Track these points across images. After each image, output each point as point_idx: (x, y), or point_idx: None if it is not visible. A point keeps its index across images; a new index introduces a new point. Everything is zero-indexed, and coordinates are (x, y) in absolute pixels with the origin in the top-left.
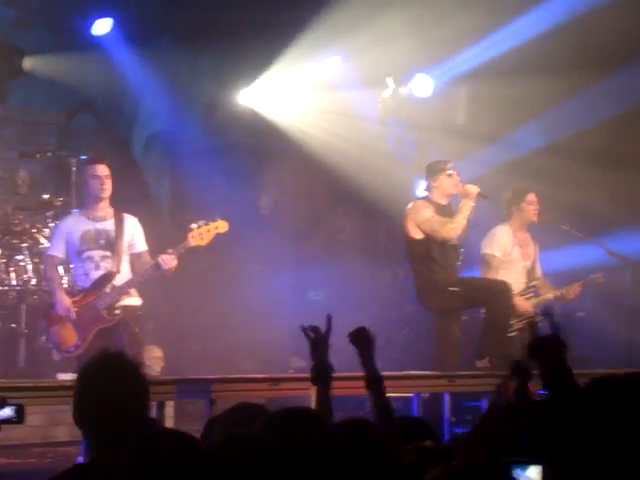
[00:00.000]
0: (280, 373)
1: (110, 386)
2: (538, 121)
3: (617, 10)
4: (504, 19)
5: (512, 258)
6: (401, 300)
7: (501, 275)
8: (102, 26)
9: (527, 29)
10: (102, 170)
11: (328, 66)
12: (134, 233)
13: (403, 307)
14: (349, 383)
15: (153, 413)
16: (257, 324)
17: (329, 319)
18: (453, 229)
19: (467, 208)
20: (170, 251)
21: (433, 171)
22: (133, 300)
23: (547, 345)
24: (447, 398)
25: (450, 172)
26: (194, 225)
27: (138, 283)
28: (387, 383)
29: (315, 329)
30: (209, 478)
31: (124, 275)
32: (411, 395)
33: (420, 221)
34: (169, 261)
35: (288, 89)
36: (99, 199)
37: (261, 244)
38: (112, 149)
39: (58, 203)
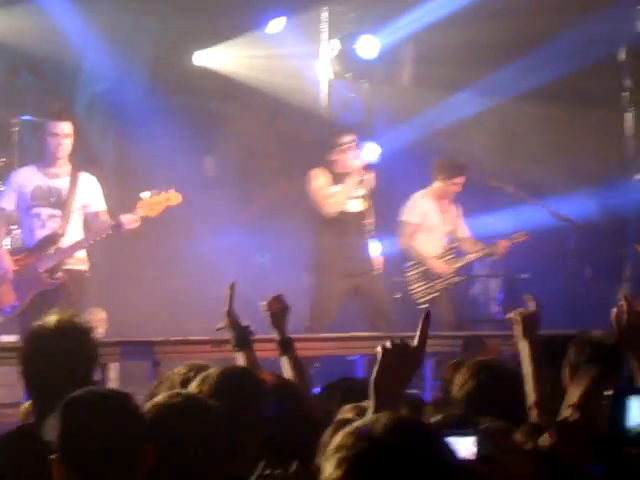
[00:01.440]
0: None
1: (60, 349)
2: (482, 83)
3: None
4: None
5: (431, 225)
6: None
7: (418, 240)
8: None
9: None
10: (62, 128)
11: (273, 27)
12: (90, 192)
13: None
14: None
15: (97, 375)
16: (202, 286)
17: (231, 286)
18: (331, 204)
19: (348, 184)
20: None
21: (332, 145)
22: (79, 264)
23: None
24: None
25: (343, 148)
26: (144, 194)
27: (88, 244)
28: (332, 344)
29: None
30: (147, 436)
31: (71, 237)
32: (356, 356)
33: (310, 190)
34: (132, 221)
35: (236, 50)
36: (55, 157)
37: (207, 206)
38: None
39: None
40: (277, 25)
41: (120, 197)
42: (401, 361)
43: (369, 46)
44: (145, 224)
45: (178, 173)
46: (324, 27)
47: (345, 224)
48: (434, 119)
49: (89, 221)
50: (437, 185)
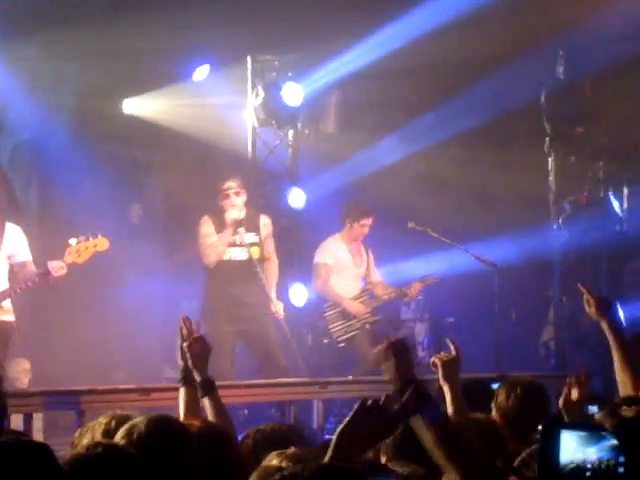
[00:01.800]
0: (152, 383)
1: None
2: (406, 129)
3: (483, 19)
4: (373, 28)
5: (344, 266)
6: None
7: (333, 282)
8: None
9: (395, 38)
10: None
11: (198, 75)
12: (16, 243)
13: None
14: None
15: (20, 426)
16: (129, 334)
17: (185, 319)
18: (209, 254)
19: (225, 234)
20: (51, 263)
21: (217, 189)
22: (5, 315)
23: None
24: (317, 405)
25: (225, 192)
26: (73, 241)
27: (14, 292)
28: (262, 391)
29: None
30: None
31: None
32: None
33: (196, 238)
34: (59, 268)
35: (162, 99)
36: None
37: (133, 254)
38: None
39: None
40: (202, 73)
41: (45, 246)
42: (375, 422)
43: (293, 93)
44: (71, 272)
45: (104, 221)
46: (248, 75)
47: (227, 273)
48: (359, 165)
49: (16, 271)
50: (346, 228)
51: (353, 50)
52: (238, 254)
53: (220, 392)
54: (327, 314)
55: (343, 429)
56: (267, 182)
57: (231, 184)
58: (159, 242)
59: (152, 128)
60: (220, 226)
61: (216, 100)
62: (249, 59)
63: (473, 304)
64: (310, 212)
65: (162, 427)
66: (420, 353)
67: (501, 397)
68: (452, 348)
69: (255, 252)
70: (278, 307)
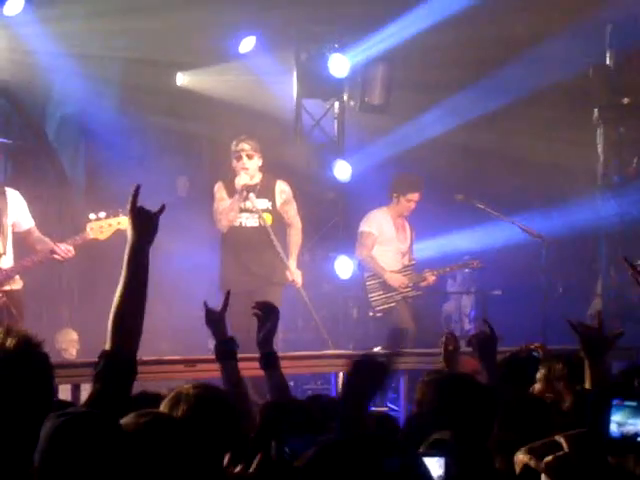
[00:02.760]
0: (197, 354)
1: (21, 374)
2: (450, 102)
3: None
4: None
5: (388, 237)
6: (319, 281)
7: (376, 251)
8: (14, 6)
9: (441, 10)
10: None
11: (245, 46)
12: (19, 209)
13: (320, 288)
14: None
15: (68, 396)
16: (175, 306)
17: (227, 295)
18: (220, 221)
19: (233, 201)
20: (68, 241)
21: (231, 150)
22: (15, 284)
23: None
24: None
25: (238, 154)
26: (93, 216)
27: (27, 269)
28: (306, 362)
29: (209, 309)
30: (127, 458)
31: (8, 256)
32: (329, 373)
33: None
34: (66, 252)
35: (209, 71)
36: None
37: (178, 226)
38: (26, 132)
39: None
40: (248, 44)
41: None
42: (369, 374)
43: (339, 64)
44: (116, 244)
45: (150, 193)
46: (295, 46)
47: (238, 240)
48: (405, 137)
49: (23, 239)
50: (393, 202)
51: (400, 21)
52: (249, 220)
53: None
54: (368, 284)
55: (345, 390)
56: (312, 154)
57: (244, 146)
58: (205, 214)
59: (199, 100)
60: (233, 192)
61: (262, 72)
62: (295, 30)
63: (520, 276)
64: (355, 184)
65: (208, 395)
66: (467, 326)
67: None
68: (486, 328)
69: (267, 218)
70: (295, 276)
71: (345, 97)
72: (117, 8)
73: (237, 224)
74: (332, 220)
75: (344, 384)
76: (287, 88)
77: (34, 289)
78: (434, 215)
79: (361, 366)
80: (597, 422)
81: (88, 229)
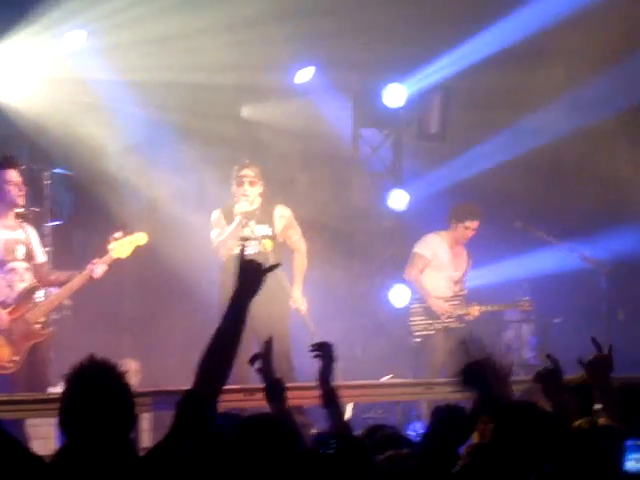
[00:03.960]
0: (254, 384)
1: (98, 394)
2: (515, 126)
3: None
4: (474, 29)
5: (441, 264)
6: (377, 309)
7: (427, 275)
8: (75, 39)
9: (496, 38)
10: (17, 175)
11: (302, 76)
12: (36, 243)
13: (378, 316)
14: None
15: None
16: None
17: (268, 342)
18: (218, 248)
19: (232, 228)
20: (97, 260)
21: (232, 176)
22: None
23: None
24: (424, 406)
25: (240, 180)
26: (114, 236)
27: (67, 296)
28: (366, 392)
29: (257, 355)
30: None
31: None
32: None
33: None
34: (101, 270)
35: (270, 103)
36: (15, 206)
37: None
38: (86, 163)
39: (31, 215)
40: (306, 75)
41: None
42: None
43: (396, 94)
44: (177, 276)
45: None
46: (350, 76)
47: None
48: (463, 166)
49: (35, 271)
50: (451, 228)
51: (457, 49)
52: (248, 248)
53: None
54: (411, 307)
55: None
56: (369, 183)
57: (248, 172)
58: None
59: (259, 130)
60: (232, 219)
61: (320, 102)
62: (351, 60)
63: (581, 303)
64: (412, 214)
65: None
66: (527, 354)
67: None
68: (549, 362)
69: (268, 245)
70: (298, 303)
71: (402, 126)
72: (181, 34)
73: (236, 252)
74: (388, 249)
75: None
76: (344, 117)
77: (96, 319)
78: (492, 243)
79: (441, 415)
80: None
81: (110, 249)
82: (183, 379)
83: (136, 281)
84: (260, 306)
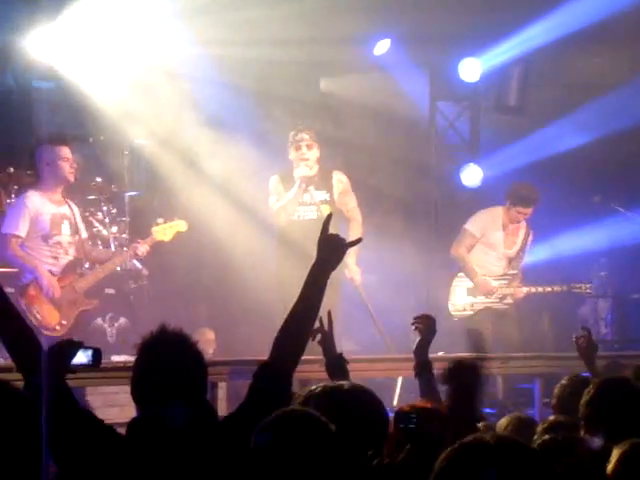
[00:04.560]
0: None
1: (170, 363)
2: (591, 108)
3: None
4: (555, 3)
5: (492, 242)
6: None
7: (477, 253)
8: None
9: (578, 16)
10: (69, 152)
11: (380, 48)
12: (80, 219)
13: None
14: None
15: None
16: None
17: (329, 316)
18: (278, 214)
19: (292, 192)
20: (140, 241)
21: (289, 141)
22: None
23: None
24: (499, 380)
25: (298, 144)
26: (157, 221)
27: (112, 270)
28: (438, 365)
29: (317, 329)
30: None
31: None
32: None
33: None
34: (144, 249)
35: (348, 76)
36: (65, 182)
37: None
38: None
39: (114, 189)
40: (383, 46)
41: None
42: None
43: (472, 68)
44: (250, 251)
45: None
46: (428, 49)
47: (296, 234)
48: (542, 143)
49: (80, 246)
50: (506, 208)
51: (538, 24)
52: (307, 213)
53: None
54: (453, 283)
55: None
56: (446, 155)
57: (304, 135)
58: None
59: (339, 105)
60: (290, 184)
61: (397, 74)
62: (429, 32)
63: None
64: (488, 188)
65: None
66: (603, 330)
67: None
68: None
69: (326, 210)
70: (353, 273)
71: (479, 99)
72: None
73: (295, 217)
74: (460, 223)
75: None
76: (422, 91)
77: (176, 289)
78: (570, 218)
79: (455, 372)
80: None
81: (153, 232)
82: (255, 350)
83: (213, 252)
84: None
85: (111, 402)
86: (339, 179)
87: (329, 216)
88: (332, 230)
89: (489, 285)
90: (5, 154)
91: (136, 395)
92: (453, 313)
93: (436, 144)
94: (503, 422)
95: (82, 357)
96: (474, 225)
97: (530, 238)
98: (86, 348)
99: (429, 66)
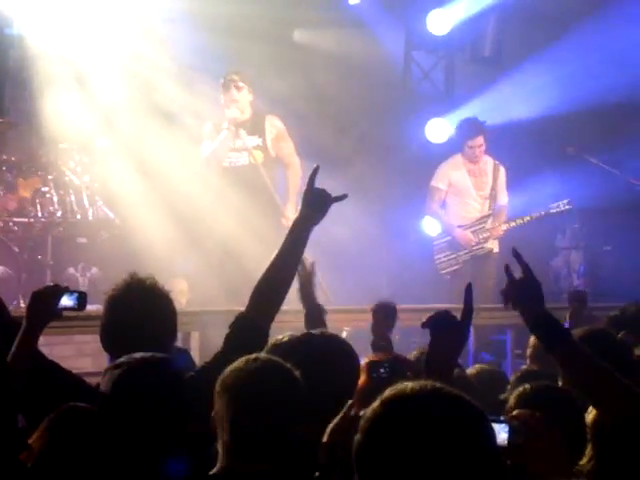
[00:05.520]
0: None
1: (139, 311)
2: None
3: None
4: None
5: (461, 188)
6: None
7: (450, 204)
8: None
9: None
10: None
11: None
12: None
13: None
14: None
15: (179, 343)
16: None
17: (312, 266)
18: (208, 160)
19: (222, 137)
20: None
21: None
22: None
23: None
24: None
25: (226, 84)
26: None
27: None
28: (411, 316)
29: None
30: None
31: None
32: None
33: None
34: None
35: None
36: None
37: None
38: None
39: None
40: None
41: None
42: (448, 333)
43: (441, 20)
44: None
45: None
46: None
47: (228, 181)
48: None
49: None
50: (462, 150)
51: None
52: (239, 159)
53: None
54: (434, 244)
55: (430, 352)
56: (421, 107)
57: (233, 76)
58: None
59: (313, 55)
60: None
61: (370, 22)
62: None
63: (631, 232)
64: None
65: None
66: (575, 282)
67: None
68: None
69: (258, 156)
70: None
71: (454, 50)
72: None
73: (227, 164)
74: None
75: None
76: (397, 40)
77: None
78: (542, 169)
79: (436, 322)
80: None
81: None
82: (234, 300)
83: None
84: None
85: (84, 352)
86: (272, 124)
87: (316, 169)
88: (266, 177)
89: (467, 237)
90: None
91: (106, 344)
92: (442, 271)
93: (411, 96)
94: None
95: (67, 300)
96: (436, 179)
97: (502, 173)
98: (71, 292)
99: (404, 17)
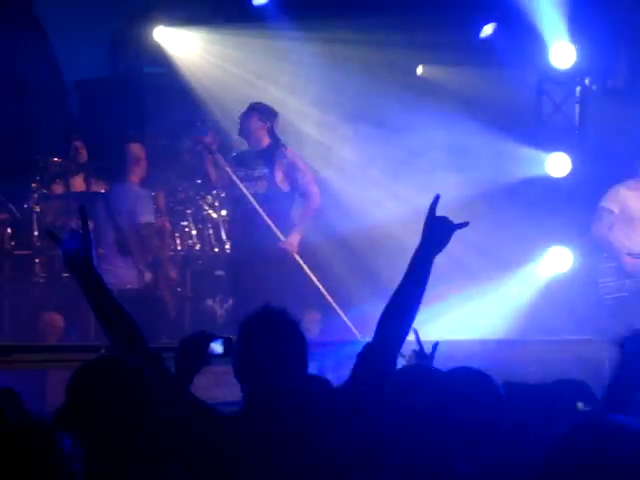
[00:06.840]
0: None
1: (271, 340)
2: None
3: None
4: None
5: (635, 217)
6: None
7: (620, 233)
8: None
9: None
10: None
11: (485, 31)
12: None
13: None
14: None
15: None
16: None
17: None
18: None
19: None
20: None
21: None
22: None
23: None
24: None
25: None
26: None
27: None
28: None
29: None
30: None
31: None
32: None
33: None
34: None
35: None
36: None
37: None
38: None
39: None
40: (488, 30)
41: None
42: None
43: (567, 53)
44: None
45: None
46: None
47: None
48: None
49: None
50: None
51: None
52: (249, 188)
53: None
54: (601, 265)
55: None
56: (552, 139)
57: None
58: None
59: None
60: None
61: (503, 57)
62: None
63: None
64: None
65: None
66: None
67: None
68: None
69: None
70: (287, 244)
71: (587, 81)
72: None
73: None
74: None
75: None
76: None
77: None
78: None
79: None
80: None
81: None
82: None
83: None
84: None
85: (220, 381)
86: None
87: (437, 197)
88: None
89: (638, 264)
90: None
91: (236, 373)
92: (606, 296)
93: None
94: None
95: (215, 347)
96: (609, 201)
97: None
98: (216, 338)
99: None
